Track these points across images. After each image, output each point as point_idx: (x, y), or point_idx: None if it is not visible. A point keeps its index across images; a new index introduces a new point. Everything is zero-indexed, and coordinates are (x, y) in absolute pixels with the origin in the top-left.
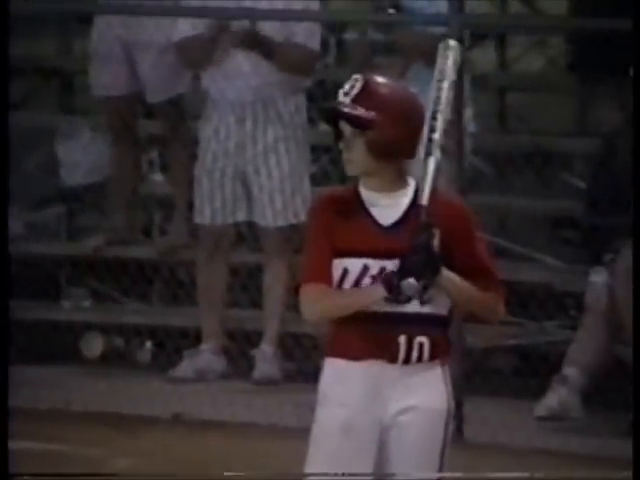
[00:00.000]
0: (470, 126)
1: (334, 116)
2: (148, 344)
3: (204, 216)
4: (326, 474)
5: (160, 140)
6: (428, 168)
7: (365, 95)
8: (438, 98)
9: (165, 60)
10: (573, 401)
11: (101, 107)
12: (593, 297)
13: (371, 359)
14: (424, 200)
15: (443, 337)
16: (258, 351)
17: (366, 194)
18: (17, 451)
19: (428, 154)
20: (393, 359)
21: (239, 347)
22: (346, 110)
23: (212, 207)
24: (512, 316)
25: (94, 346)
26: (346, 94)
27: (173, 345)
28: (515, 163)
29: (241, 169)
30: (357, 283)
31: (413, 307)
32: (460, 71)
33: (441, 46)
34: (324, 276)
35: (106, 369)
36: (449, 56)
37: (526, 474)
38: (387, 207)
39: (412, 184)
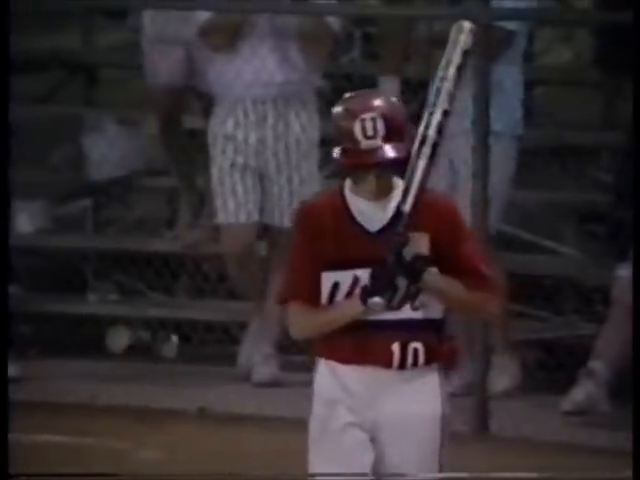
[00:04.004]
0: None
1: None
2: (173, 338)
3: (226, 215)
4: (327, 474)
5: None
6: (416, 171)
7: (391, 128)
8: (438, 90)
9: None
10: (600, 395)
11: (154, 95)
12: (620, 291)
13: (365, 365)
14: (407, 206)
15: (438, 341)
16: (257, 353)
17: (352, 199)
18: (43, 444)
19: (418, 156)
20: (388, 365)
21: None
22: (396, 155)
23: (235, 206)
24: (538, 310)
25: (120, 339)
26: (371, 137)
27: (198, 339)
28: (541, 157)
29: (260, 169)
30: (349, 295)
31: (406, 313)
32: (466, 56)
33: (454, 28)
34: (306, 293)
35: (132, 362)
36: (460, 41)
37: (534, 474)
38: (374, 212)
39: (399, 186)
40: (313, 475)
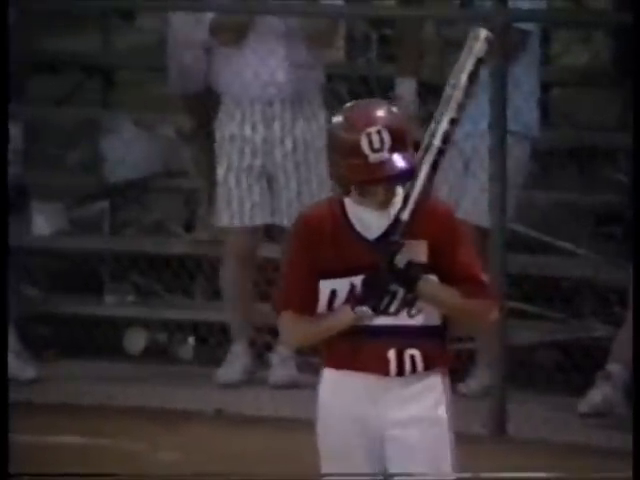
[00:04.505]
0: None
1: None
2: (190, 339)
3: (230, 218)
4: (332, 474)
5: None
6: (418, 179)
7: (396, 139)
8: (448, 97)
9: None
10: (617, 397)
11: (182, 103)
12: None
13: (364, 372)
14: (406, 214)
15: (437, 347)
16: (274, 355)
17: (353, 208)
18: (59, 445)
19: (421, 163)
20: (385, 373)
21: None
22: (405, 166)
23: (239, 209)
24: (555, 312)
25: (137, 341)
26: (378, 150)
27: (215, 340)
28: (558, 158)
29: (268, 170)
30: (347, 303)
31: (402, 320)
32: (480, 64)
33: (470, 35)
34: (299, 301)
35: (148, 364)
36: (475, 48)
37: (549, 474)
38: (374, 220)
39: (400, 194)
40: (323, 476)
